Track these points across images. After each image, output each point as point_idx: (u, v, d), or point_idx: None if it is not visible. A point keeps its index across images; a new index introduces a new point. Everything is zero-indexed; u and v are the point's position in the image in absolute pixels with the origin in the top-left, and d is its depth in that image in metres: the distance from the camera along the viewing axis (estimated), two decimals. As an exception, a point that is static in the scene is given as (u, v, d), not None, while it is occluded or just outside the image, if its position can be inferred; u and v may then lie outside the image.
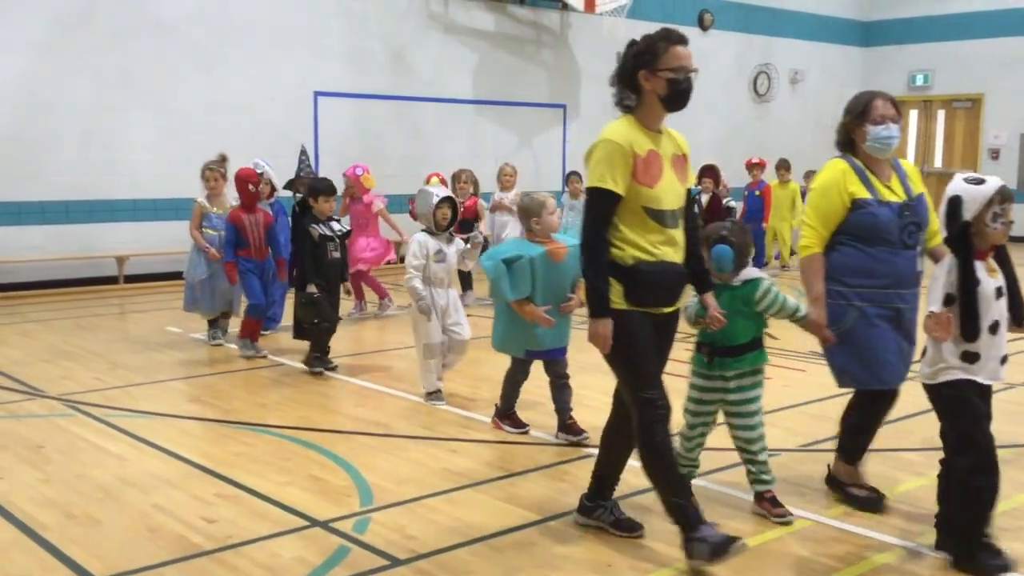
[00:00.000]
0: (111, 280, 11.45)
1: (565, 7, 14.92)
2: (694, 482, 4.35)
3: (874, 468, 4.96)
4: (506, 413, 5.61)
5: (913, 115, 19.45)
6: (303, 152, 8.71)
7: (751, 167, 13.05)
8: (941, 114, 18.86)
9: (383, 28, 13.36)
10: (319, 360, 6.99)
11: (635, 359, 3.76)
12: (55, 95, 10.91)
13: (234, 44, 12.05)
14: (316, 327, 6.91)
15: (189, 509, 4.38)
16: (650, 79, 3.73)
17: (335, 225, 7.12)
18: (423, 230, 6.16)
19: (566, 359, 5.46)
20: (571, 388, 5.45)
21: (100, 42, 11.15)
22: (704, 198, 11.61)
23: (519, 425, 5.57)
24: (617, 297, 3.69)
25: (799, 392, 6.51)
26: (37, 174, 10.92)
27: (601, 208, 3.68)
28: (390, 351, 7.93)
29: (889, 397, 4.39)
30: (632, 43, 3.84)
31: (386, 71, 13.45)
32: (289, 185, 9.30)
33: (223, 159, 8.25)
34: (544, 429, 5.58)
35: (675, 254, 3.77)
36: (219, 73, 11.94)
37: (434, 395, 6.21)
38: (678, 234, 3.79)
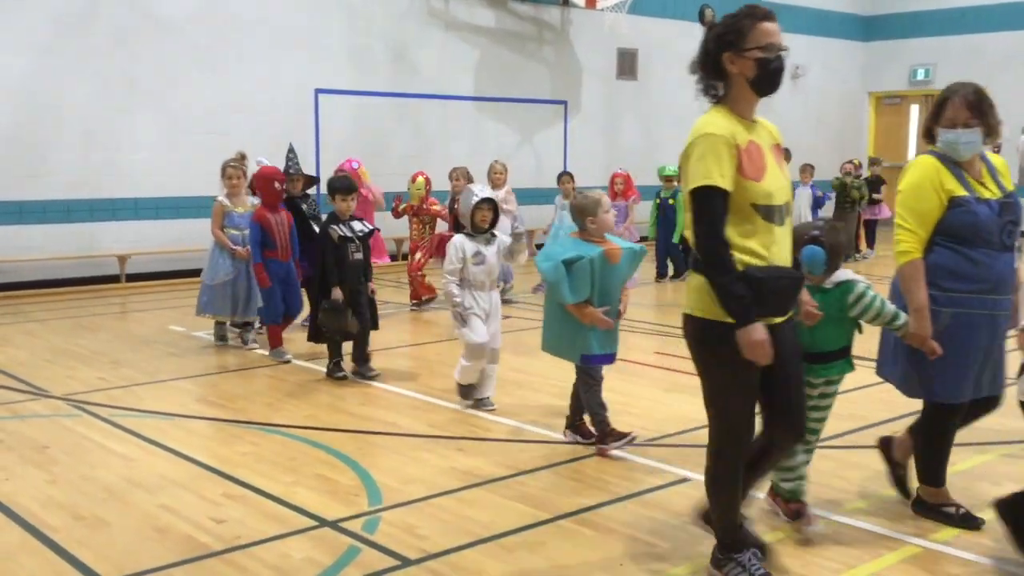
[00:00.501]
0: (112, 279, 11.43)
1: (566, 3, 14.89)
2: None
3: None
4: (606, 432, 5.15)
5: (914, 110, 19.43)
6: (291, 150, 8.53)
7: None
8: (942, 109, 18.82)
9: (384, 26, 13.32)
10: (335, 366, 6.84)
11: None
12: (56, 95, 10.88)
13: (235, 43, 12.02)
14: (336, 332, 6.71)
15: (197, 509, 4.36)
16: (736, 61, 3.39)
17: (356, 225, 6.81)
18: (462, 232, 5.96)
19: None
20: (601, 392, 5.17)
21: (101, 42, 11.12)
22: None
23: (620, 437, 5.14)
24: (722, 308, 3.28)
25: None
26: (38, 173, 10.89)
27: (713, 208, 3.27)
28: (395, 349, 7.90)
29: (964, 410, 4.09)
30: (712, 25, 3.50)
31: (387, 69, 13.42)
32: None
33: (243, 157, 8.05)
34: (552, 428, 5.56)
35: (786, 255, 3.42)
36: (220, 72, 11.91)
37: (466, 392, 6.06)
38: (786, 233, 3.43)
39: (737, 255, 3.29)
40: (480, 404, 5.99)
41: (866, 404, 6.06)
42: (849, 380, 6.77)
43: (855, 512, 4.29)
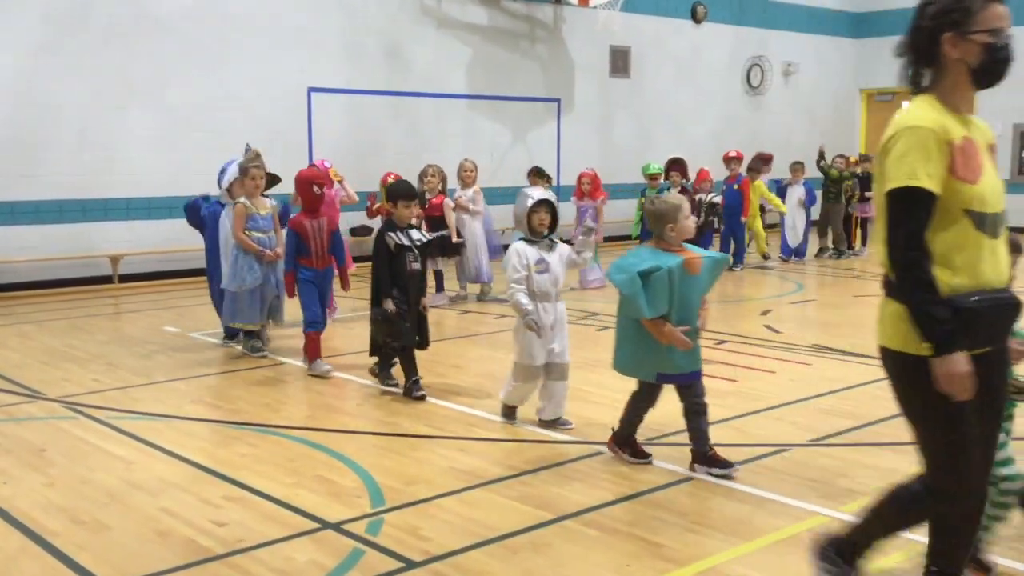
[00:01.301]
0: (106, 279, 11.37)
1: (559, 1, 14.87)
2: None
3: (890, 463, 4.94)
4: (626, 440, 4.97)
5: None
6: (247, 149, 7.93)
7: (728, 160, 12.67)
8: (934, 105, 18.85)
9: (377, 24, 13.28)
10: (387, 375, 6.52)
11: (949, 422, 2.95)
12: (49, 94, 10.82)
13: (229, 41, 11.97)
14: (388, 345, 6.28)
15: (198, 512, 4.32)
16: (959, 44, 2.92)
17: (414, 233, 6.30)
18: (520, 238, 5.45)
19: (702, 382, 4.78)
20: (707, 414, 4.80)
21: (95, 40, 11.06)
22: (673, 192, 11.41)
23: (640, 455, 4.94)
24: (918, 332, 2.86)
25: (806, 386, 6.47)
26: (30, 173, 10.83)
27: (915, 213, 2.83)
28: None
29: None
30: (927, 2, 3.01)
31: (380, 67, 13.38)
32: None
33: (258, 155, 7.59)
34: (552, 428, 5.53)
35: (999, 272, 2.95)
36: (213, 70, 11.86)
37: (510, 412, 5.65)
38: (999, 247, 2.96)
39: (945, 274, 2.86)
40: (557, 424, 5.52)
41: (866, 402, 6.06)
42: (850, 378, 6.80)
43: (859, 511, 4.26)
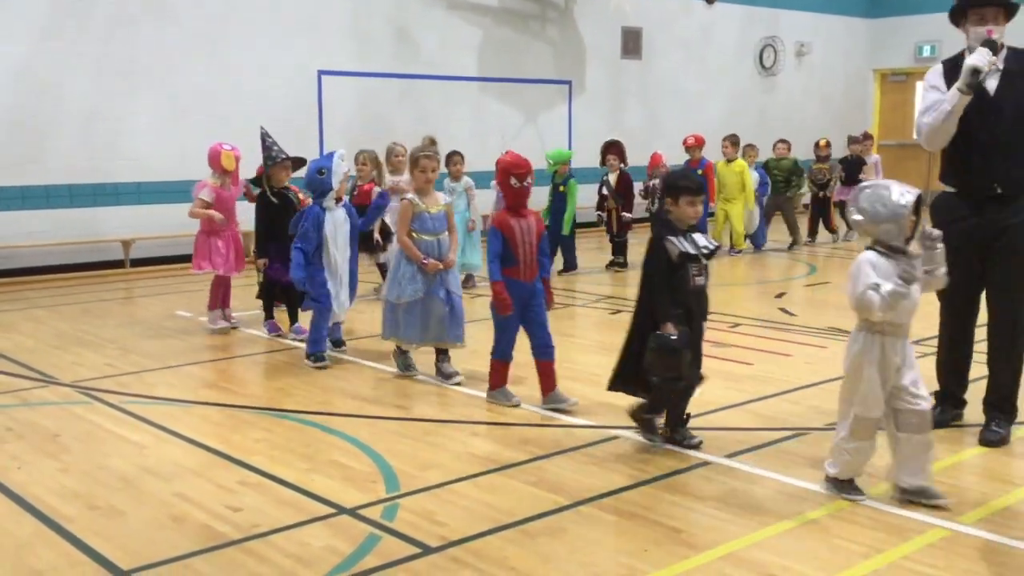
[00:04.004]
0: (117, 264, 11.36)
1: (569, -18, 14.76)
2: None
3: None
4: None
5: (919, 87, 19.29)
6: (266, 134, 7.58)
7: (689, 148, 11.85)
8: (948, 85, 18.69)
9: (386, 6, 13.20)
10: (648, 423, 5.01)
11: None
12: (58, 79, 10.78)
13: (237, 24, 11.91)
14: (668, 383, 4.79)
15: (213, 498, 4.30)
16: None
17: (700, 238, 4.82)
18: (868, 247, 4.16)
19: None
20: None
21: (103, 25, 11.01)
22: (612, 177, 11.10)
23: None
24: None
25: (821, 369, 6.42)
26: (40, 158, 10.81)
27: None
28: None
29: None
30: None
31: (390, 49, 13.31)
32: (257, 179, 7.86)
33: (433, 142, 6.99)
34: (566, 412, 5.50)
35: None
36: (222, 54, 11.81)
37: (849, 487, 4.25)
38: None
39: None
40: (929, 496, 4.18)
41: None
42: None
43: (881, 496, 4.23)
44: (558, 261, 10.33)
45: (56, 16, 10.73)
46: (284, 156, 7.58)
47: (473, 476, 4.55)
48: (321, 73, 12.67)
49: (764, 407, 5.61)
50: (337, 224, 6.73)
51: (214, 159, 7.77)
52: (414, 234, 6.11)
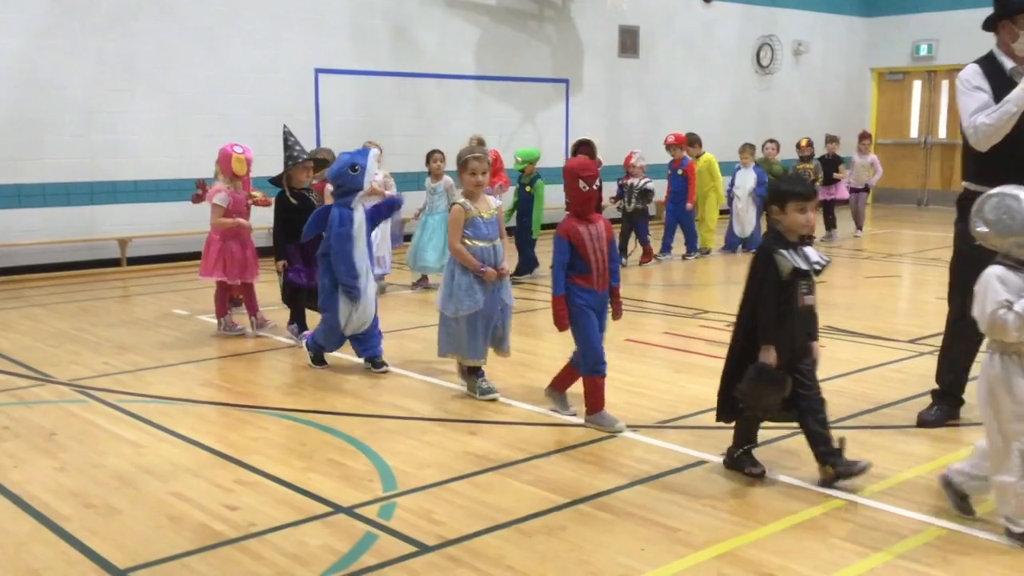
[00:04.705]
0: (114, 263, 11.34)
1: (567, -20, 14.76)
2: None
3: (904, 446, 4.91)
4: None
5: (917, 85, 19.32)
6: (289, 133, 7.32)
7: (669, 146, 11.71)
8: (945, 84, 18.71)
9: (384, 4, 13.19)
10: (745, 456, 4.54)
11: None
12: (55, 76, 10.76)
13: (235, 22, 11.89)
14: (759, 416, 4.49)
15: (209, 497, 4.30)
16: None
17: (812, 253, 4.35)
18: (995, 261, 3.76)
19: None
20: None
21: (101, 22, 10.99)
22: None
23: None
24: None
25: (819, 369, 6.39)
26: (37, 156, 10.79)
27: None
28: (404, 331, 7.83)
29: None
30: None
31: (388, 47, 13.30)
32: (278, 179, 7.34)
33: (481, 142, 6.66)
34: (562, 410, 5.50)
35: None
36: (220, 52, 11.79)
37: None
38: None
39: None
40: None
41: (880, 384, 6.02)
42: (864, 359, 6.76)
43: (877, 495, 4.24)
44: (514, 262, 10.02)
45: (55, 14, 10.71)
46: (306, 156, 7.34)
47: (470, 475, 4.55)
48: (319, 71, 12.66)
49: (761, 406, 5.61)
50: (361, 225, 6.45)
51: (224, 162, 7.51)
52: (467, 240, 5.68)
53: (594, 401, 5.19)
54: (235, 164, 7.46)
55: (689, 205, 11.76)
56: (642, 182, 11.14)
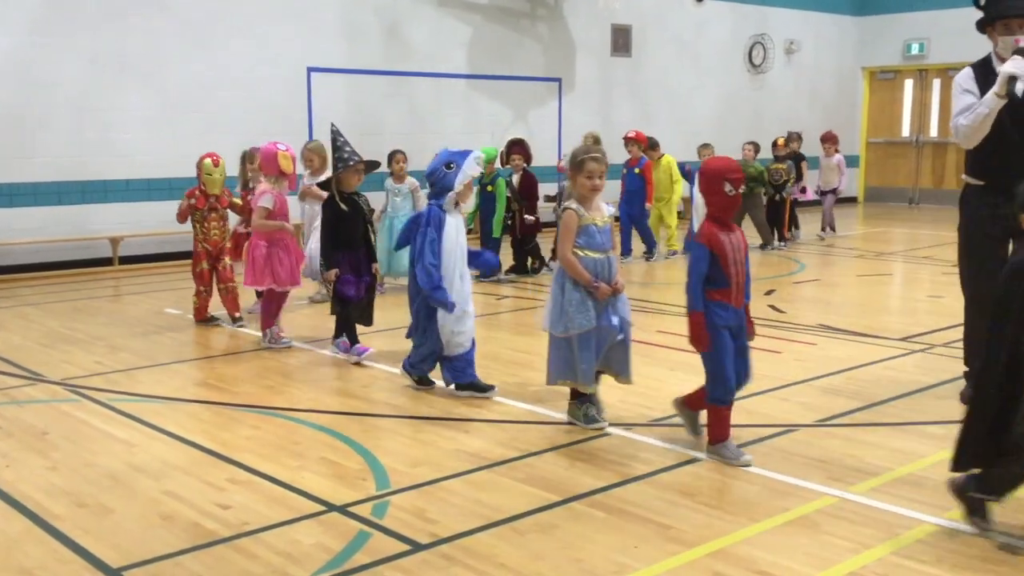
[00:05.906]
0: (105, 262, 11.31)
1: (559, -21, 14.75)
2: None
3: (897, 443, 4.92)
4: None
5: (908, 84, 19.37)
6: (338, 132, 6.74)
7: (628, 142, 11.39)
8: (936, 83, 18.76)
9: (376, 2, 13.18)
10: (980, 506, 3.82)
11: None
12: (46, 74, 10.73)
13: (227, 20, 11.87)
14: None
15: (202, 495, 4.29)
16: None
17: None
18: None
19: None
20: None
21: (92, 20, 10.96)
22: (515, 177, 10.50)
23: None
24: None
25: (811, 366, 6.44)
26: (28, 155, 10.76)
27: None
28: (397, 330, 7.81)
29: None
30: None
31: (380, 46, 13.29)
32: (326, 183, 6.88)
33: (596, 140, 6.24)
34: (557, 408, 5.50)
35: None
36: (212, 50, 11.77)
37: None
38: None
39: None
40: None
41: (872, 382, 6.03)
42: (856, 357, 6.78)
43: (868, 491, 4.25)
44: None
45: (45, 11, 10.68)
46: (358, 159, 6.68)
47: (464, 473, 4.55)
48: (311, 70, 12.64)
49: (754, 404, 5.61)
50: (456, 231, 5.81)
51: (270, 161, 7.13)
52: (579, 251, 5.01)
53: (719, 432, 4.68)
54: (282, 162, 7.11)
55: (649, 205, 11.54)
56: None
